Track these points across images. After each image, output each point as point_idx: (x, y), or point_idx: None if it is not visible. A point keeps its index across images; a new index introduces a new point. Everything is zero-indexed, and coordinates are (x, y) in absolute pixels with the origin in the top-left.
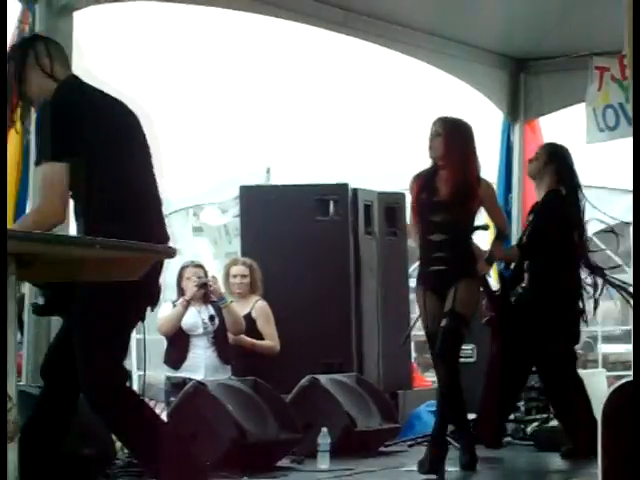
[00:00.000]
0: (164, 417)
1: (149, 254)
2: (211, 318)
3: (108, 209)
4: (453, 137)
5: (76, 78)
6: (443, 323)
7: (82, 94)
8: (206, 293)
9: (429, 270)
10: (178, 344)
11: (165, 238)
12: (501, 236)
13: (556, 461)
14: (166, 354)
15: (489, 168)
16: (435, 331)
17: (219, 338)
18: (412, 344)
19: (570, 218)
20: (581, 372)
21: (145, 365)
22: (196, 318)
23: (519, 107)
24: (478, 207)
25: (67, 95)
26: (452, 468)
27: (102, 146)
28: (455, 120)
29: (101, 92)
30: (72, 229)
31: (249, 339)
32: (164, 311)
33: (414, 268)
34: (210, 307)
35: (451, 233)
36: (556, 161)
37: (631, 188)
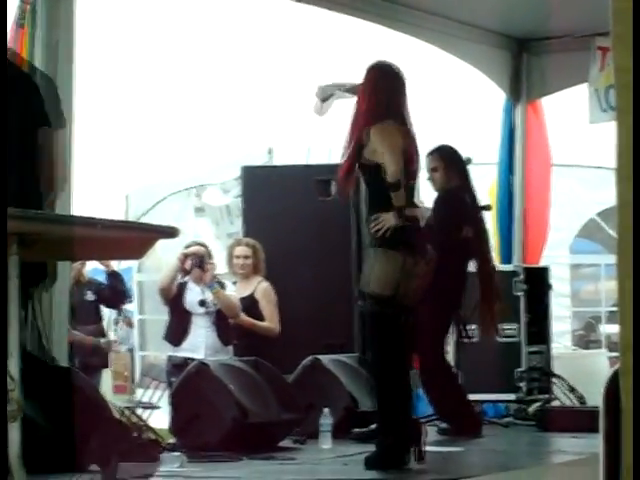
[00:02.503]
0: (166, 396)
1: (151, 234)
2: (201, 303)
3: None
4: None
5: None
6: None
7: None
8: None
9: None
10: (179, 321)
11: None
12: None
13: (558, 441)
14: (167, 330)
15: (491, 149)
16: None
17: (220, 319)
18: None
19: (459, 215)
20: (582, 352)
21: None
22: (199, 297)
23: (521, 88)
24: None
25: None
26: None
27: None
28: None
29: None
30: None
31: (249, 319)
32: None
33: None
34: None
35: None
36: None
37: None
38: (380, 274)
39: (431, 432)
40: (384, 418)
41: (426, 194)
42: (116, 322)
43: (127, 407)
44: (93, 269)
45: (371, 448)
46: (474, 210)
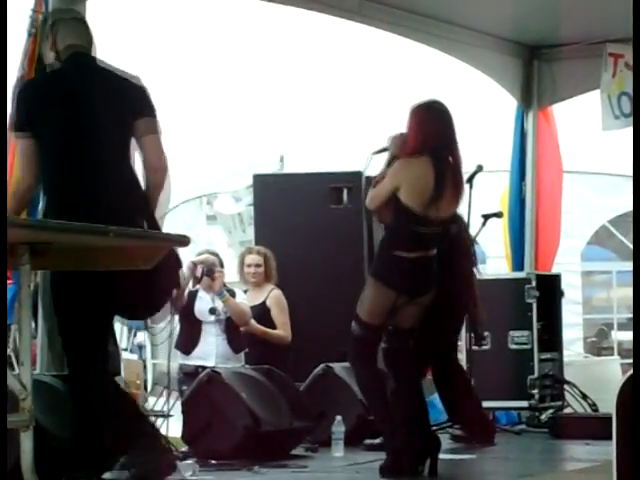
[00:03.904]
0: (178, 405)
1: (162, 243)
2: (212, 311)
3: (51, 196)
4: None
5: (72, 56)
6: None
7: (49, 74)
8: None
9: None
10: (190, 330)
11: None
12: None
13: (571, 448)
14: (178, 339)
15: (502, 156)
16: None
17: (230, 327)
18: None
19: None
20: (594, 359)
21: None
22: (209, 305)
23: (532, 95)
24: None
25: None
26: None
27: (49, 129)
28: None
29: (91, 72)
30: None
31: (261, 327)
32: None
33: None
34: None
35: None
36: None
37: None
38: (371, 305)
39: (444, 439)
40: (382, 428)
41: None
42: (130, 330)
43: None
44: None
45: (384, 456)
46: None
